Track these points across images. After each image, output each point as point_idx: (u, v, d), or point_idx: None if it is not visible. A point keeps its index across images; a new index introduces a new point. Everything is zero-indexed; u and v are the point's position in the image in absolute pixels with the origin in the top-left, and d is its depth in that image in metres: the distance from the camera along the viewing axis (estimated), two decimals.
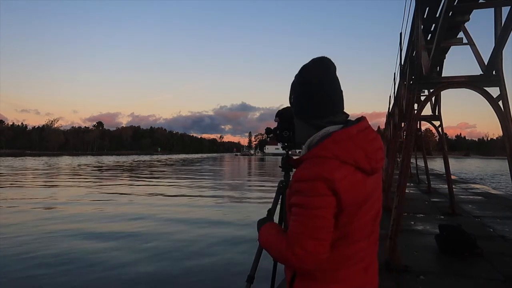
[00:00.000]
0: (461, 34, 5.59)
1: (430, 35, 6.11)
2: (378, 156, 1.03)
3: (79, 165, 38.20)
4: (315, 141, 1.05)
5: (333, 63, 1.10)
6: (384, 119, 23.05)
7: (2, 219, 8.83)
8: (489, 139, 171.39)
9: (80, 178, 21.75)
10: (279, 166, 1.74)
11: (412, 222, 6.43)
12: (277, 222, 1.90)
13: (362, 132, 1.02)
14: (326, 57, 1.10)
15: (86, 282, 4.77)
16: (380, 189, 1.10)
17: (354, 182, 0.95)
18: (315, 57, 1.11)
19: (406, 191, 5.23)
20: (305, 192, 0.94)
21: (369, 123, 1.11)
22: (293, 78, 1.15)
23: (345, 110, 1.11)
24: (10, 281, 4.80)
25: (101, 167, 35.90)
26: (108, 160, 58.38)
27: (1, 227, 7.88)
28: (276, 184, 1.84)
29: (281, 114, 1.56)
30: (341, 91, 1.10)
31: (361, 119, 1.07)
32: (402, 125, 10.33)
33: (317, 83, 1.06)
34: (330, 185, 0.91)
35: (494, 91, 4.14)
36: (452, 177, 11.48)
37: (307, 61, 1.11)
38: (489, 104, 4.13)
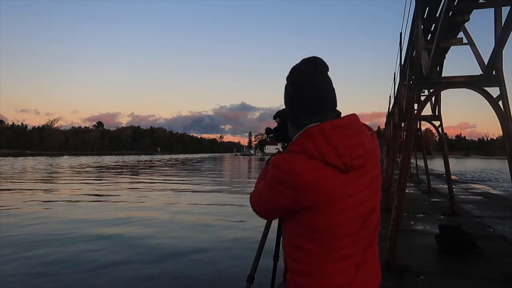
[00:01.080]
0: (461, 34, 5.59)
1: (430, 35, 6.10)
2: (354, 153, 0.99)
3: (85, 165, 38.30)
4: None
5: (324, 63, 1.09)
6: (384, 119, 23.07)
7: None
8: (489, 139, 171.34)
9: (92, 177, 22.01)
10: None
11: (412, 222, 6.43)
12: (278, 222, 1.91)
13: (339, 128, 1.00)
14: (317, 57, 1.10)
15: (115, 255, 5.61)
16: (373, 187, 1.07)
17: (319, 177, 0.97)
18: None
19: (406, 191, 5.23)
20: (272, 175, 1.04)
21: (368, 122, 1.10)
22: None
23: (346, 110, 1.11)
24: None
25: (110, 166, 36.23)
26: (111, 160, 58.45)
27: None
28: None
29: (282, 114, 1.57)
30: (333, 90, 1.09)
31: (347, 115, 1.07)
32: (402, 125, 10.33)
33: (306, 84, 1.06)
34: (290, 178, 0.98)
35: (494, 91, 4.13)
36: (452, 177, 11.48)
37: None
38: (489, 104, 4.13)
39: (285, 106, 1.16)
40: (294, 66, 1.11)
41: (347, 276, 1.02)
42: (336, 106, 1.10)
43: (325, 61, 1.10)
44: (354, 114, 1.08)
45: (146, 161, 56.07)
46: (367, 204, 1.04)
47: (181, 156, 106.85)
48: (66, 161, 49.51)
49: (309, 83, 1.06)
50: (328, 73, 1.11)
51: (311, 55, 1.10)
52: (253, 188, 1.25)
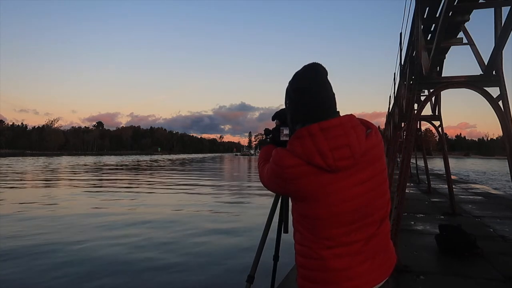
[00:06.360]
0: (461, 34, 5.58)
1: (430, 35, 6.10)
2: (338, 154, 1.04)
3: (92, 164, 38.37)
4: None
5: (324, 69, 1.15)
6: (384, 119, 23.09)
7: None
8: (489, 139, 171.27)
9: (100, 176, 21.97)
10: None
11: (412, 222, 6.43)
12: (278, 222, 1.93)
13: (327, 129, 1.06)
14: (317, 63, 1.16)
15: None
16: (371, 182, 1.10)
17: (301, 173, 1.07)
18: (307, 63, 1.17)
19: (406, 191, 5.23)
20: (271, 166, 1.18)
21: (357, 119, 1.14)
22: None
23: (347, 110, 1.15)
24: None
25: (118, 166, 36.34)
26: (113, 160, 58.33)
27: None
28: None
29: (279, 115, 1.58)
30: (333, 94, 1.15)
31: (339, 117, 1.11)
32: (402, 125, 10.34)
33: (309, 90, 1.11)
34: (279, 170, 1.11)
35: (494, 91, 4.13)
36: (452, 177, 11.47)
37: (304, 63, 1.18)
38: (489, 104, 4.13)
39: (287, 110, 1.22)
40: (296, 73, 1.16)
41: (343, 262, 1.09)
42: (336, 108, 1.15)
43: (324, 66, 1.16)
44: (350, 115, 1.12)
45: (151, 161, 55.89)
46: (364, 198, 1.09)
47: (183, 156, 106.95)
48: (73, 161, 49.41)
49: (312, 90, 1.11)
50: (328, 76, 1.16)
51: (311, 55, 1.17)
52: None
